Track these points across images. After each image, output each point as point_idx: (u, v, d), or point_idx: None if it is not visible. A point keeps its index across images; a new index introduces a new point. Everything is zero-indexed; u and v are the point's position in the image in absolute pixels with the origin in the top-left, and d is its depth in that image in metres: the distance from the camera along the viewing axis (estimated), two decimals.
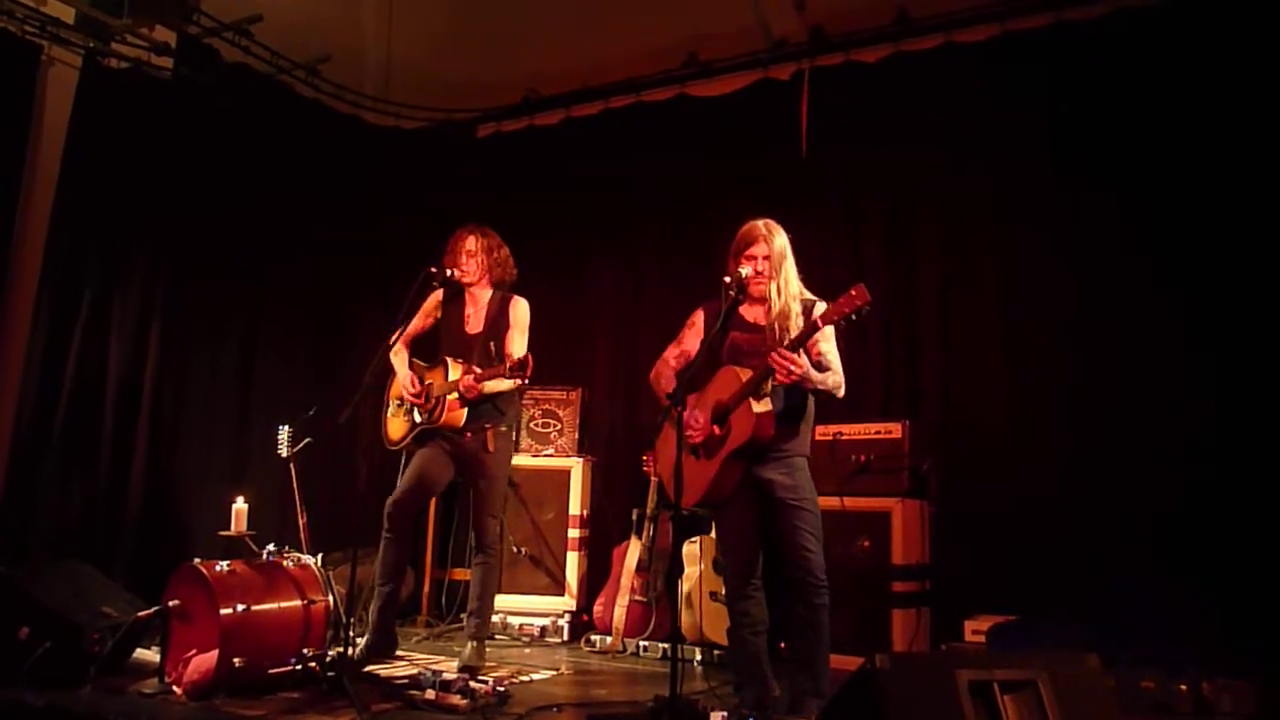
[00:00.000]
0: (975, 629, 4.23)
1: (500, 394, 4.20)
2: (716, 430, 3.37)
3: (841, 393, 3.35)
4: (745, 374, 3.30)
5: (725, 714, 3.36)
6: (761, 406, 3.25)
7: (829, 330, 3.32)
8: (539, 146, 6.35)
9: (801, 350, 3.21)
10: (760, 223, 3.49)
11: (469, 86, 6.35)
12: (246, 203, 5.57)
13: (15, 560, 4.38)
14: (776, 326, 3.34)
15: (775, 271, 3.40)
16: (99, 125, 5.03)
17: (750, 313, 3.50)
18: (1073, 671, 2.55)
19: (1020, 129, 4.84)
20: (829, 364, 3.32)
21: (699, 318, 3.65)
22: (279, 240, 5.74)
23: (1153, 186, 4.47)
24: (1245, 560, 3.99)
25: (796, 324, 3.32)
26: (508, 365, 3.89)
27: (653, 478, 4.95)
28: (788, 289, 3.39)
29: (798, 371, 3.14)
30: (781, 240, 3.46)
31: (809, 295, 3.45)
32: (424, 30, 6.02)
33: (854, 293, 3.08)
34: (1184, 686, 3.45)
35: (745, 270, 3.47)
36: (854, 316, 3.11)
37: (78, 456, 4.84)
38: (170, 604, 3.59)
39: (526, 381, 3.94)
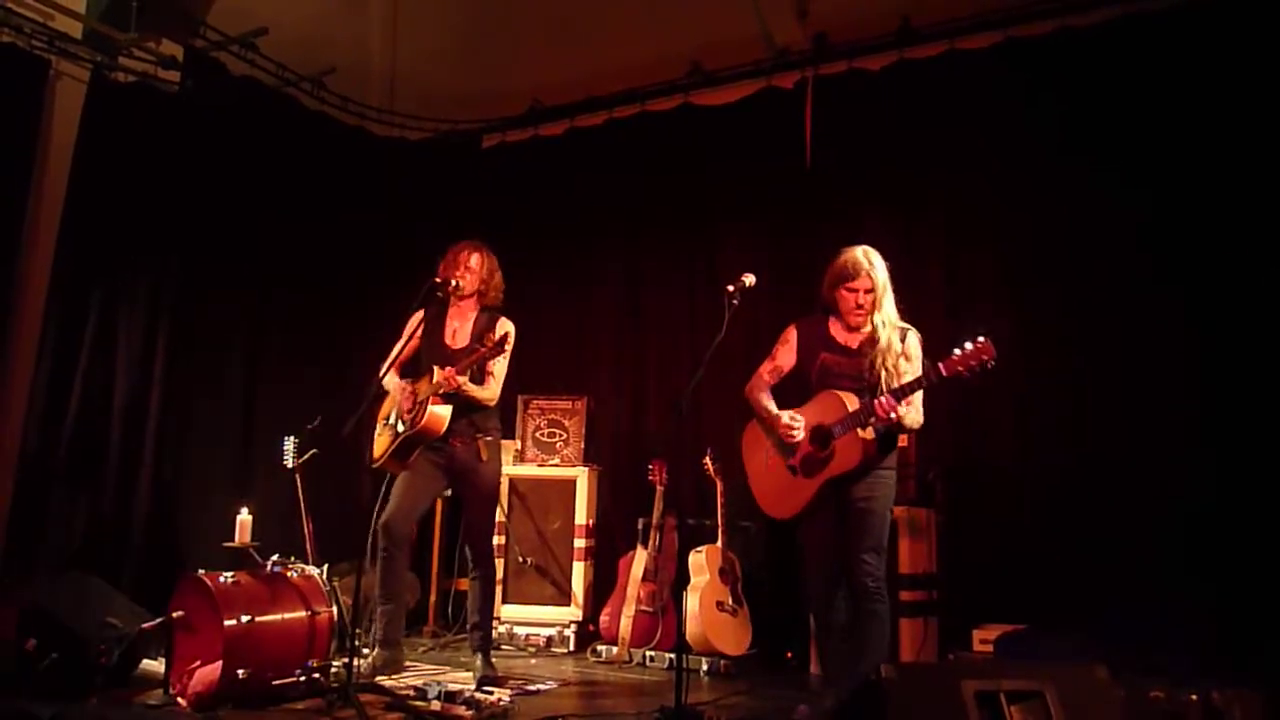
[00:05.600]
0: (983, 638, 4.21)
1: (480, 407, 4.16)
2: (819, 452, 3.40)
3: (918, 427, 3.43)
4: (852, 402, 3.32)
5: None
6: (868, 434, 3.30)
7: (916, 360, 3.37)
8: (543, 157, 6.37)
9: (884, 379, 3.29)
10: (860, 252, 3.45)
11: (474, 97, 6.38)
12: (252, 215, 5.59)
13: (23, 572, 4.40)
14: (878, 362, 3.35)
15: (879, 304, 3.40)
16: (106, 139, 5.05)
17: (841, 334, 3.50)
18: (1080, 682, 2.53)
19: (1024, 136, 4.84)
20: (910, 399, 3.34)
21: (792, 334, 3.64)
22: (284, 252, 5.75)
23: (1158, 192, 4.46)
24: (1256, 568, 3.96)
25: (894, 357, 3.35)
26: (484, 349, 3.88)
27: (659, 486, 4.94)
28: (888, 323, 3.40)
29: (896, 418, 3.22)
30: (883, 271, 3.44)
31: (902, 323, 3.46)
32: (428, 42, 6.06)
33: (980, 347, 3.09)
34: (1194, 696, 3.40)
35: (749, 279, 3.52)
36: (979, 371, 3.12)
37: (85, 469, 4.85)
38: (174, 615, 3.60)
39: (506, 350, 3.95)
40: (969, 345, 3.13)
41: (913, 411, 3.37)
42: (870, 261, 3.42)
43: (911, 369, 3.37)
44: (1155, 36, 4.54)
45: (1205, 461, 4.20)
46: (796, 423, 3.43)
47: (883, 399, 3.20)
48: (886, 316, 3.40)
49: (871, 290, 3.39)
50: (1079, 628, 3.97)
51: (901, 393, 3.23)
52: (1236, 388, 4.18)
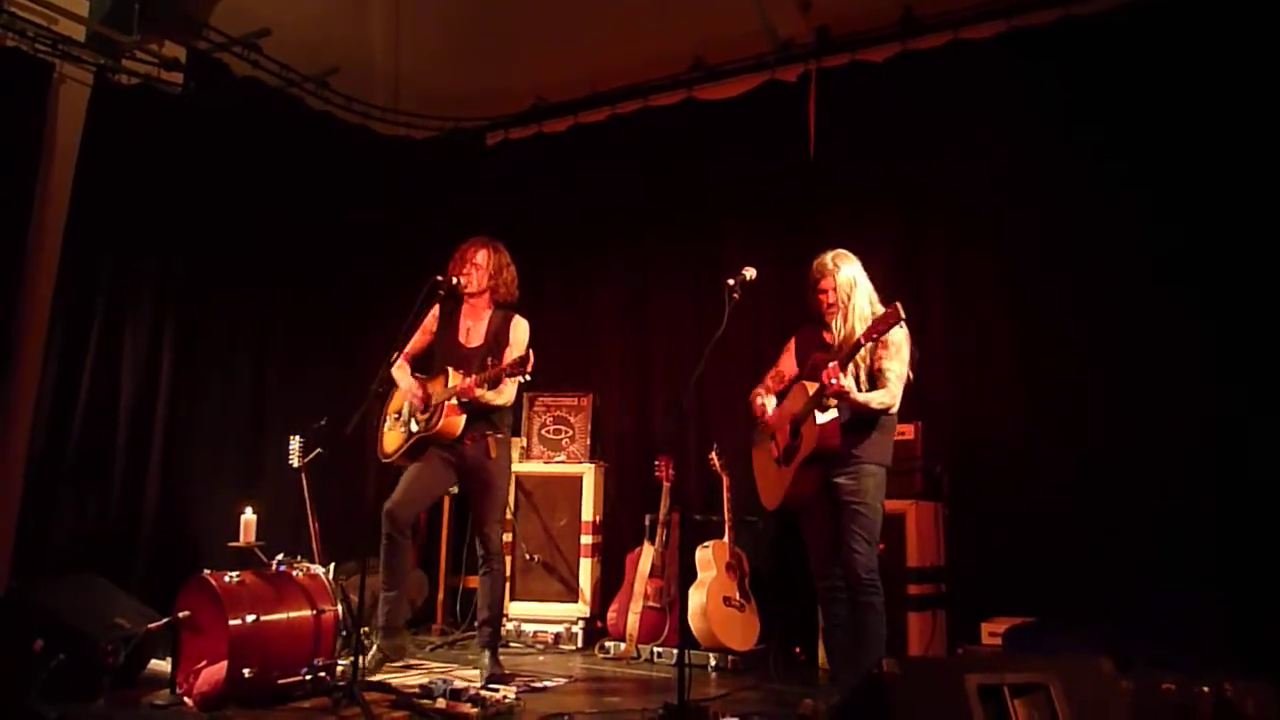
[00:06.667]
0: (992, 631, 4.18)
1: (495, 409, 4.16)
2: (793, 440, 3.55)
3: (891, 410, 3.51)
4: (812, 388, 3.47)
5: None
6: (825, 417, 3.43)
7: (894, 345, 3.48)
8: (548, 154, 6.36)
9: (850, 366, 3.40)
10: (828, 257, 3.62)
11: (477, 95, 6.37)
12: (257, 216, 5.61)
13: (31, 574, 4.43)
14: (842, 349, 3.47)
15: (843, 302, 3.54)
16: (110, 142, 5.07)
17: (829, 335, 3.65)
18: (1085, 675, 2.51)
19: (1029, 126, 4.80)
20: (885, 380, 3.47)
21: (792, 343, 3.82)
22: (288, 253, 5.77)
23: (1165, 183, 4.41)
24: (1267, 559, 3.92)
25: (870, 348, 3.47)
26: (506, 364, 3.88)
27: (665, 483, 4.94)
28: (854, 315, 3.52)
29: (837, 385, 3.31)
30: (848, 272, 3.58)
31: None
32: (431, 40, 6.05)
33: (889, 311, 3.27)
34: (1206, 689, 3.37)
35: (749, 273, 3.59)
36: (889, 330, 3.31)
37: (92, 471, 4.87)
38: (180, 615, 3.61)
39: (528, 378, 3.91)
40: (882, 310, 3.41)
41: (879, 394, 3.45)
42: (835, 264, 3.58)
43: (888, 355, 3.47)
44: (1161, 24, 4.49)
45: (1212, 455, 4.15)
46: (762, 398, 3.70)
47: (829, 365, 3.33)
48: (856, 309, 3.52)
49: (835, 289, 3.55)
50: (1089, 621, 3.94)
51: (845, 359, 3.37)
52: (1250, 381, 4.13)
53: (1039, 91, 4.77)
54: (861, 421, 3.48)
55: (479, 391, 3.98)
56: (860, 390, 3.43)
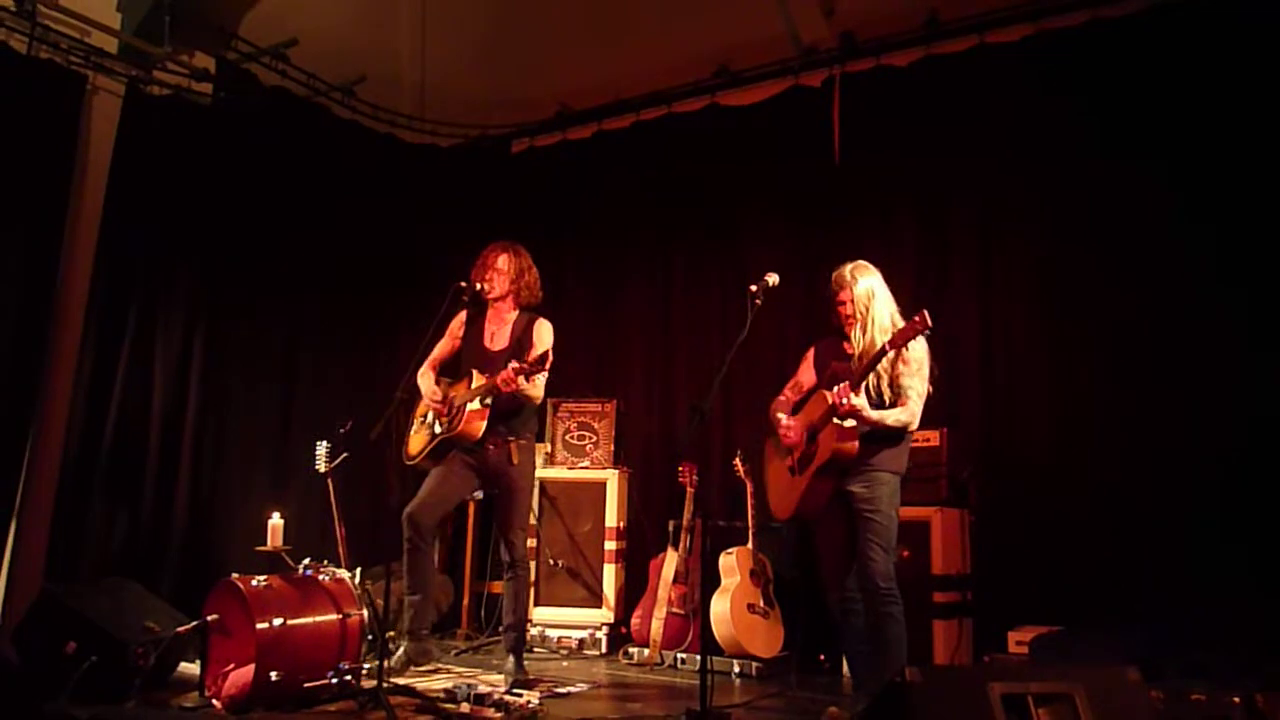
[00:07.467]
0: (1019, 640, 4.14)
1: (517, 413, 4.19)
2: (809, 449, 3.56)
3: (912, 427, 3.50)
4: (832, 397, 3.45)
5: None
6: (847, 424, 3.42)
7: (915, 362, 3.47)
8: (572, 160, 6.40)
9: (871, 377, 3.40)
10: (847, 269, 3.62)
11: (503, 102, 6.42)
12: (284, 224, 5.68)
13: (64, 577, 4.50)
14: (861, 362, 3.47)
15: (861, 314, 3.53)
16: (142, 152, 5.15)
17: (849, 346, 3.63)
18: (1111, 685, 2.49)
19: (1057, 129, 4.76)
20: (906, 398, 3.46)
21: (810, 353, 3.84)
22: (316, 260, 5.83)
23: (1194, 184, 4.36)
24: None
25: (887, 360, 3.45)
26: (527, 362, 3.87)
27: (689, 489, 4.93)
28: (873, 327, 3.51)
29: (847, 406, 3.33)
30: (866, 283, 3.57)
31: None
32: (457, 48, 6.09)
33: (916, 319, 3.25)
34: (1237, 699, 3.32)
35: (772, 279, 3.62)
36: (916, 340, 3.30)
37: (124, 477, 4.94)
38: (209, 618, 3.65)
39: (546, 372, 3.90)
40: (902, 321, 3.43)
41: (896, 411, 3.44)
42: (853, 276, 3.57)
43: (909, 371, 3.45)
44: (1188, 25, 4.43)
45: (1246, 459, 4.09)
46: (790, 423, 3.65)
47: (841, 385, 3.34)
48: (875, 320, 3.50)
49: (852, 301, 3.55)
50: (1117, 629, 3.90)
51: (864, 371, 3.38)
52: (1269, 381, 4.07)
53: (1065, 94, 4.72)
54: (880, 433, 3.47)
55: (521, 381, 3.93)
56: (884, 403, 3.43)
